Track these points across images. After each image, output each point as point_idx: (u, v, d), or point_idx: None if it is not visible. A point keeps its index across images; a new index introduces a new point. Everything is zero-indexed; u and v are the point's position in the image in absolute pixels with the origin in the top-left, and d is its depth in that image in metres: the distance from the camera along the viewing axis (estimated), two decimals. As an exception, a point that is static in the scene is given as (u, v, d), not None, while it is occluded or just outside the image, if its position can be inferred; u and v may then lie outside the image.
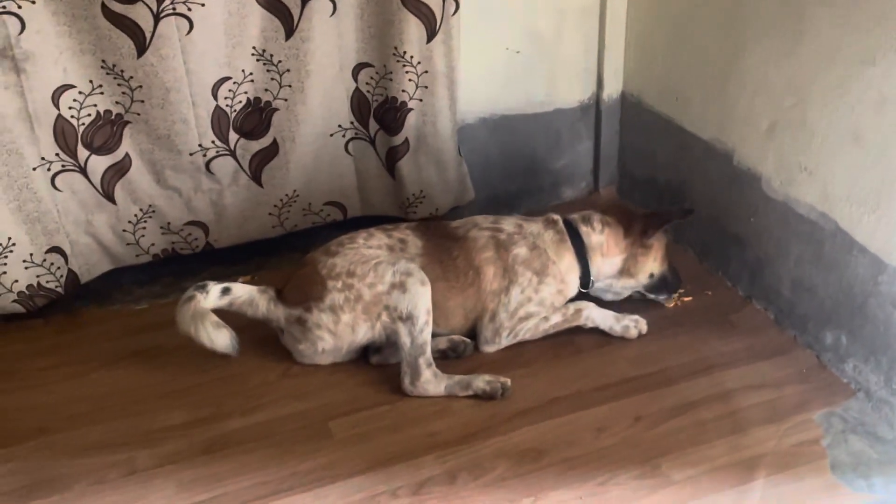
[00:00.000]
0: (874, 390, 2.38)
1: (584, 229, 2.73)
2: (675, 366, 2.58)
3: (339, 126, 3.03)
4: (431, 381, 2.47)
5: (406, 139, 3.05)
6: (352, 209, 3.19)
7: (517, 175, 3.39)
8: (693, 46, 2.90)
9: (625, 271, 2.77)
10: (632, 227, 2.73)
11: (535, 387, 2.51)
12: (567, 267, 2.70)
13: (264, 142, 2.95)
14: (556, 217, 2.76)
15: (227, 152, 2.92)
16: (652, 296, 2.85)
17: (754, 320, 2.76)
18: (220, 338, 2.45)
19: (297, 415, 2.44)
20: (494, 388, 2.48)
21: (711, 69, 2.82)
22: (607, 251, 2.73)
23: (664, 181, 3.20)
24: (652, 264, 2.77)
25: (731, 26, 2.68)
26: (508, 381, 2.49)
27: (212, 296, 2.49)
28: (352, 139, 3.07)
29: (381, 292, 2.48)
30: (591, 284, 2.76)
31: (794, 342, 2.64)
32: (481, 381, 2.48)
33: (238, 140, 2.92)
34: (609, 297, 2.85)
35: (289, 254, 3.16)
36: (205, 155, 2.89)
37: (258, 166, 2.98)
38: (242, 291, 2.55)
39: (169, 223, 2.96)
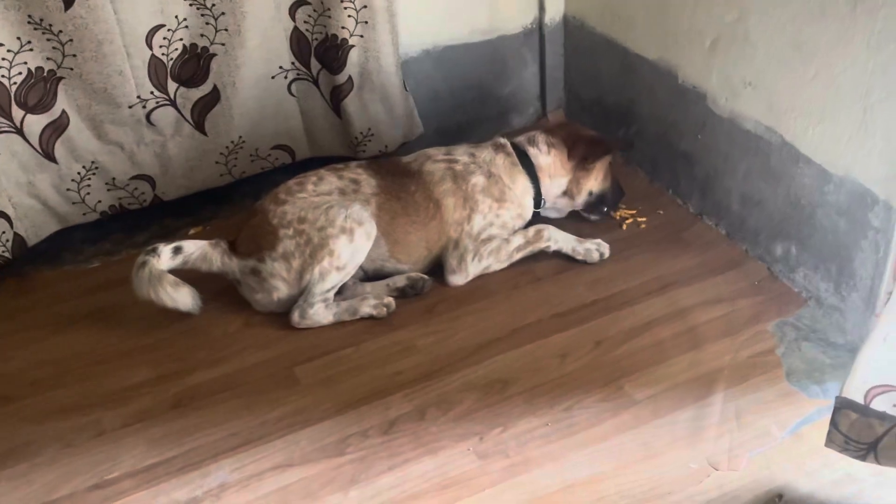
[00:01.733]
0: (824, 297, 2.44)
1: (531, 151, 2.77)
2: (631, 287, 2.62)
3: (281, 67, 2.96)
4: (321, 312, 2.52)
5: (350, 77, 3.00)
6: (300, 152, 3.15)
7: (465, 105, 3.36)
8: (633, -36, 2.88)
9: (567, 192, 2.81)
10: (575, 150, 2.76)
11: (496, 318, 2.54)
12: (522, 190, 2.74)
13: (205, 89, 2.88)
14: (504, 141, 2.78)
15: (167, 102, 2.85)
16: (586, 214, 2.89)
17: (706, 236, 2.81)
18: (182, 296, 2.44)
19: (262, 363, 2.45)
20: (380, 311, 2.56)
21: (652, -14, 2.80)
22: (554, 172, 2.78)
23: (611, 102, 3.20)
24: (593, 183, 2.82)
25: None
26: (392, 303, 2.58)
27: (164, 257, 2.46)
28: (294, 80, 3.01)
29: (329, 235, 2.47)
30: (542, 204, 2.80)
31: (746, 255, 2.69)
32: (367, 306, 2.56)
33: (177, 89, 2.84)
34: (553, 214, 2.89)
35: (240, 201, 3.13)
36: (144, 106, 2.81)
37: (200, 114, 2.92)
38: (194, 248, 2.52)
39: (114, 179, 2.89)
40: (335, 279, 2.52)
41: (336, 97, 3.04)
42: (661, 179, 3.04)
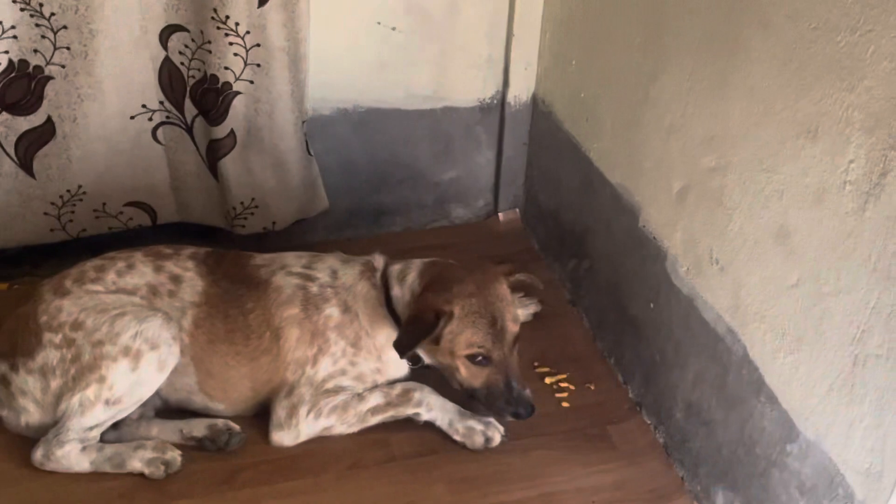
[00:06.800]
0: None
1: (395, 293, 1.97)
2: (509, 503, 1.87)
3: (144, 106, 2.31)
4: (73, 456, 1.84)
5: (231, 131, 2.33)
6: (164, 214, 2.49)
7: (391, 186, 2.64)
8: (611, 51, 2.11)
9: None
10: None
11: (309, 514, 1.83)
12: (385, 341, 1.99)
13: (35, 120, 2.24)
14: (379, 264, 2.03)
15: (-20, 128, 2.22)
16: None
17: (638, 441, 2.03)
18: None
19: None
20: (154, 470, 1.88)
21: (626, 88, 2.03)
22: None
23: (568, 221, 2.43)
24: (456, 371, 1.93)
25: (654, 33, 1.89)
26: (177, 460, 1.89)
27: None
28: (162, 124, 2.35)
29: (104, 355, 1.81)
30: (420, 361, 2.02)
31: (681, 486, 1.92)
32: (139, 459, 1.89)
33: (-2, 114, 2.21)
34: None
35: (74, 256, 2.42)
36: (-53, 130, 2.19)
37: (28, 151, 2.28)
38: None
39: None
40: (101, 416, 1.85)
41: (213, 154, 2.37)
42: (604, 340, 2.27)
